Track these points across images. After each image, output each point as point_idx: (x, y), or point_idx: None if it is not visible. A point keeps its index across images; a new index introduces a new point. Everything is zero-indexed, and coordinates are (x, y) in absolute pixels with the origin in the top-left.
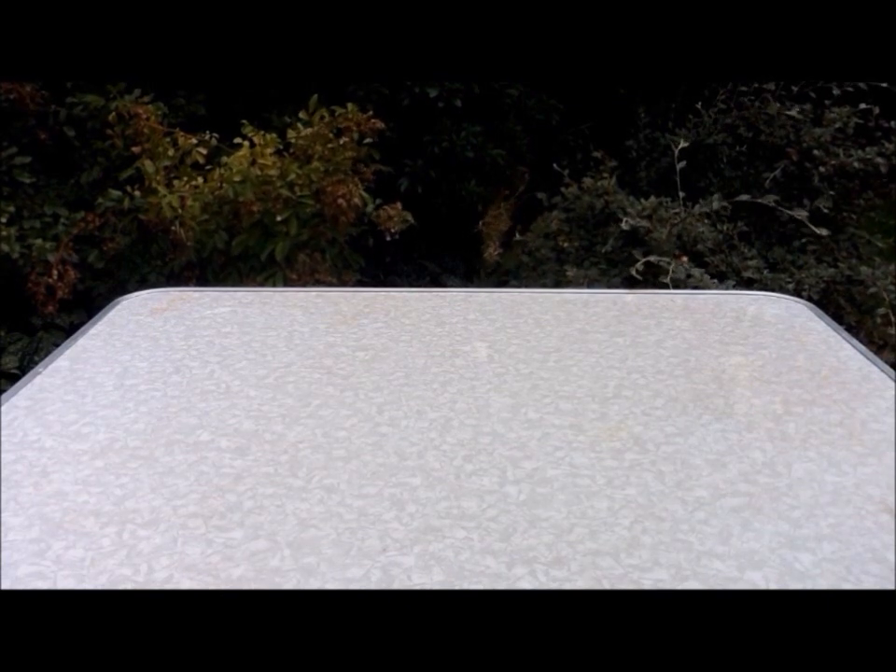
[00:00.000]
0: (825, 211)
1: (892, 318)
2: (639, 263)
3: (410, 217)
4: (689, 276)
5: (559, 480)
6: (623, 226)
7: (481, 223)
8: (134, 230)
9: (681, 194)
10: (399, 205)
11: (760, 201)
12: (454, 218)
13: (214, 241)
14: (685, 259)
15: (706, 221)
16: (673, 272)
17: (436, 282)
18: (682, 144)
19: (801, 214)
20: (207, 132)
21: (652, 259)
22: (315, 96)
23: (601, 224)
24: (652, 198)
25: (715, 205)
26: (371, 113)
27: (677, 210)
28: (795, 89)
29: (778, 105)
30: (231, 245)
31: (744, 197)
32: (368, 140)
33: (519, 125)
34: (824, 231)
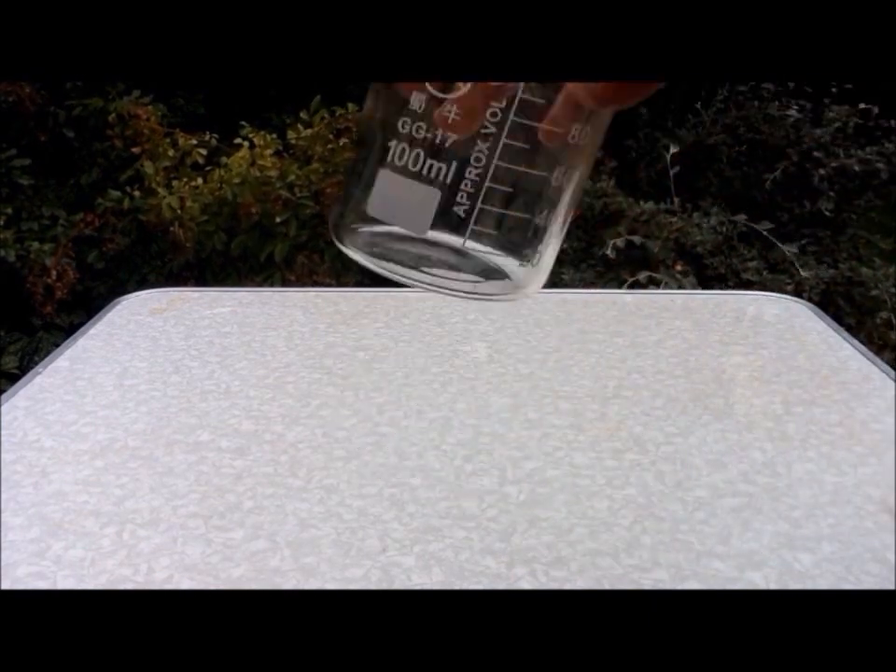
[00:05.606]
0: (826, 213)
1: (894, 322)
2: (626, 285)
3: None
4: (680, 288)
5: (559, 480)
6: (609, 252)
7: None
8: (134, 230)
9: (677, 199)
10: None
11: (755, 226)
12: None
13: (213, 242)
14: (678, 266)
15: (704, 226)
16: (663, 286)
17: None
18: (673, 149)
19: (791, 249)
20: (207, 132)
21: (641, 278)
22: (318, 97)
23: (600, 226)
24: (651, 203)
25: (713, 221)
26: None
27: (673, 220)
28: (792, 85)
29: (777, 103)
30: (230, 246)
31: (741, 217)
32: None
33: None
34: (794, 248)
